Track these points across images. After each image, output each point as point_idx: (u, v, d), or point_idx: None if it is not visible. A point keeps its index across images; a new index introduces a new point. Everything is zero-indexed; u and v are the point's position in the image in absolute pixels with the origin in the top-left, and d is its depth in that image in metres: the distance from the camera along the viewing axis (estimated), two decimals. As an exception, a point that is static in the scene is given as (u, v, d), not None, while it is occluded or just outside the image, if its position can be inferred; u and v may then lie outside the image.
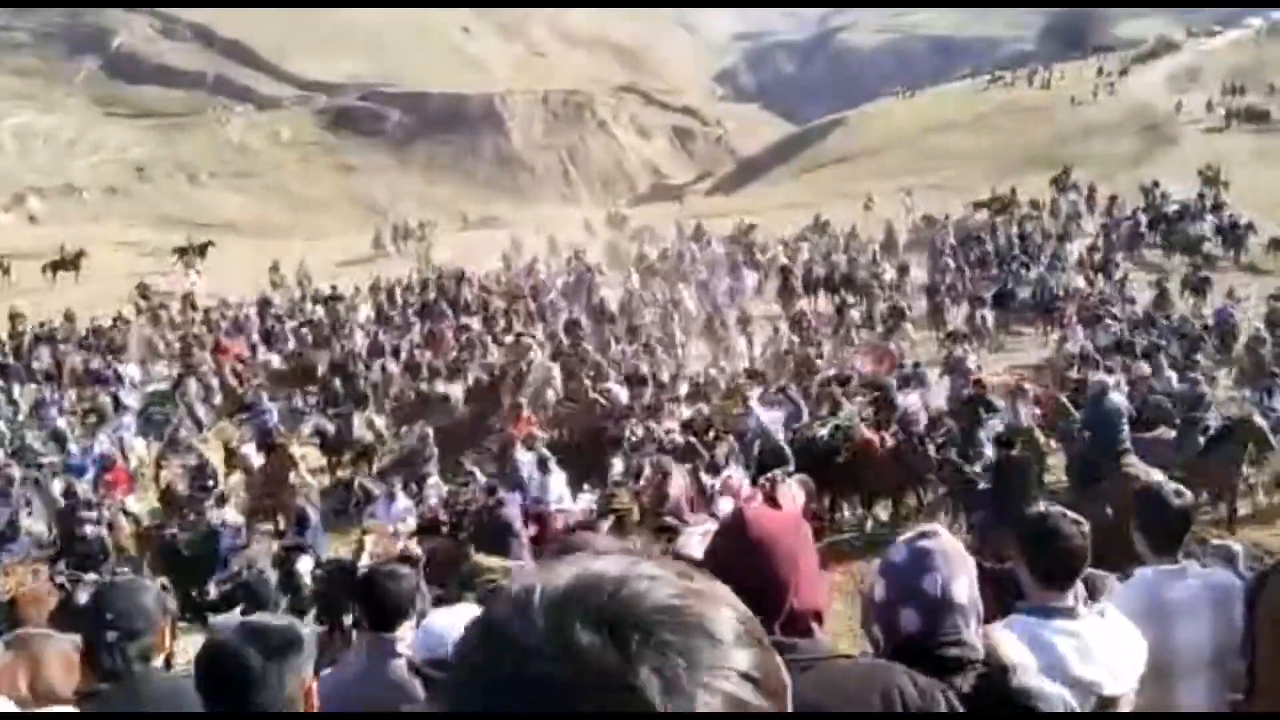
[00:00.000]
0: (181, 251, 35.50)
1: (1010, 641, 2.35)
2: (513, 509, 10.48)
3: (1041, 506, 3.13)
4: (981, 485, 9.37)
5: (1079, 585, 2.82)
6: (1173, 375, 14.61)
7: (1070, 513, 2.88)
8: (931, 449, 11.61)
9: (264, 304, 26.65)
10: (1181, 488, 3.24)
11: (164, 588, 8.51)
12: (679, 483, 10.69)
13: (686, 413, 15.14)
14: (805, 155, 70.08)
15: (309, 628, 2.17)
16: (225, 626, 2.12)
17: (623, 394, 15.56)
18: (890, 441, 12.10)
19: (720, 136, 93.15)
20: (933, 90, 78.76)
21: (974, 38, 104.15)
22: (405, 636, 3.47)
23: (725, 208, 49.08)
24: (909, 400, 13.78)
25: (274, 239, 47.46)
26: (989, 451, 11.61)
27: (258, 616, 2.16)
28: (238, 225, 54.81)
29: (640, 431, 13.88)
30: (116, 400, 17.95)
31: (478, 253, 30.60)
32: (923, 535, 2.26)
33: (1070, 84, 65.59)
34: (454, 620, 2.64)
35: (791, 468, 11.74)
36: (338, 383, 18.34)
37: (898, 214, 33.72)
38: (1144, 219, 28.98)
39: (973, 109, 65.86)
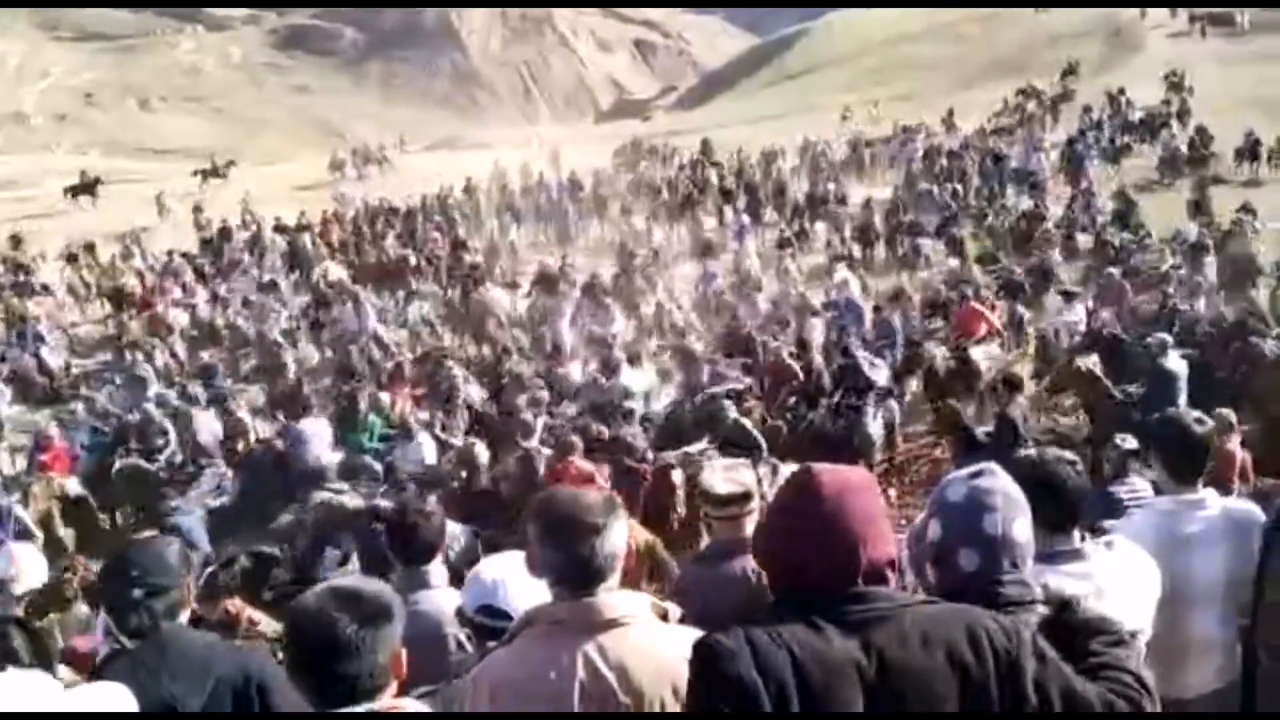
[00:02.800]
0: (206, 173, 34.45)
1: (1061, 576, 2.36)
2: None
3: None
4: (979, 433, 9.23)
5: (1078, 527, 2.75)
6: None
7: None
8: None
9: (224, 234, 24.72)
10: (1203, 415, 3.25)
11: None
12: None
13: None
14: (770, 67, 69.13)
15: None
16: (314, 591, 2.05)
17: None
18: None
19: (683, 50, 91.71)
20: (897, -2, 77.42)
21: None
22: (437, 571, 3.51)
23: (691, 123, 48.43)
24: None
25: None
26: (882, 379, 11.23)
27: (349, 580, 2.10)
28: (190, 150, 53.41)
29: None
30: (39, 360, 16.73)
31: (441, 178, 29.69)
32: (979, 474, 2.20)
33: (1035, -12, 64.68)
34: (503, 570, 2.62)
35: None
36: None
37: (864, 129, 33.42)
38: (1109, 128, 28.77)
39: (938, 16, 64.98)
